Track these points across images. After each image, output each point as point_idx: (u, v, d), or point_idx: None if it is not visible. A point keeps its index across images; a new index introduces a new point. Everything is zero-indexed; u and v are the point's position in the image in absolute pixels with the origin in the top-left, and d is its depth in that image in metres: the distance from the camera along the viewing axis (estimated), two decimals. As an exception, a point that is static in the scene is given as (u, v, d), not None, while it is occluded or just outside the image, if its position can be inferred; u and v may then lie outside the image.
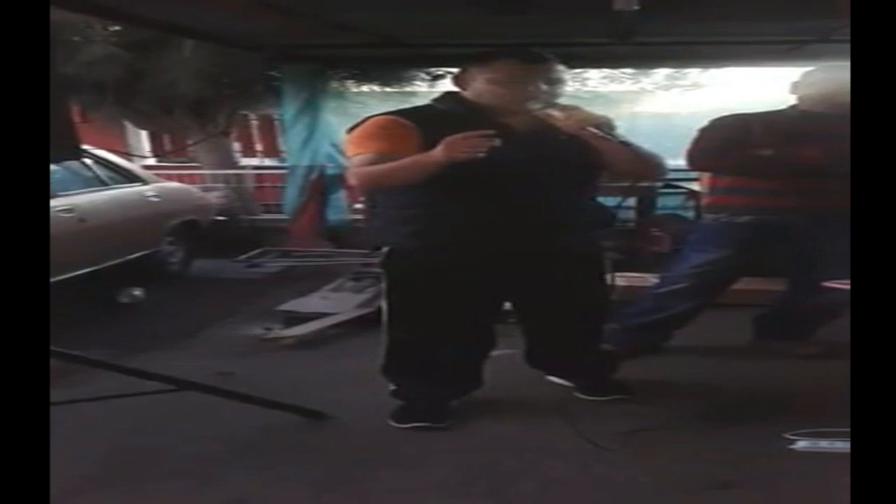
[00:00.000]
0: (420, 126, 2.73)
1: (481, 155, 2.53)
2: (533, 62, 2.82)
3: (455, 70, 2.97)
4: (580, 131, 2.71)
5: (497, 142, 2.54)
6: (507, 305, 3.22)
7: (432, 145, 2.61)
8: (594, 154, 2.78)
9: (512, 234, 2.79)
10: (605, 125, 2.75)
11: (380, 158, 2.71)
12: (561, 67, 2.87)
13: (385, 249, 2.97)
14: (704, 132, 3.55)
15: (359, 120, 2.89)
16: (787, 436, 2.83)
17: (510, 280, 2.99)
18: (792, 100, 3.55)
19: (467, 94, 2.87)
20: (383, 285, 3.06)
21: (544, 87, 2.79)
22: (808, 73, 3.52)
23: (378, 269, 3.09)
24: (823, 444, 2.75)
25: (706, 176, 3.94)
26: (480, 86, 2.81)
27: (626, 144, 2.75)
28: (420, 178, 2.66)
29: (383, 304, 3.07)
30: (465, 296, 2.93)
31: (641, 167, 2.99)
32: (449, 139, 2.54)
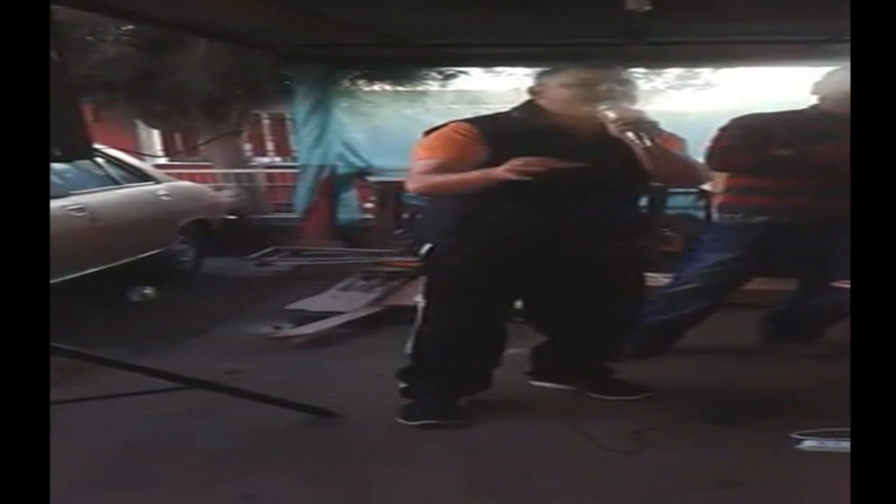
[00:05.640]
0: (489, 134, 2.85)
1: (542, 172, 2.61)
2: (600, 66, 3.00)
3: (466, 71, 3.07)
4: (620, 135, 2.72)
5: (563, 164, 2.59)
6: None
7: (496, 152, 2.74)
8: (638, 158, 2.80)
9: (551, 236, 2.88)
10: (648, 130, 2.75)
11: (441, 165, 2.82)
12: (626, 71, 3.07)
13: (426, 247, 3.06)
14: (724, 132, 3.53)
15: (439, 124, 2.99)
16: (795, 435, 2.83)
17: (540, 281, 3.06)
18: (813, 100, 3.51)
19: (542, 101, 2.97)
20: (422, 282, 3.14)
21: (618, 87, 2.89)
22: (830, 73, 3.48)
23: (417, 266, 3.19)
24: (831, 444, 2.74)
25: (721, 176, 3.91)
26: (555, 91, 2.93)
27: (648, 149, 2.75)
28: (478, 190, 2.78)
29: (420, 300, 3.13)
30: (497, 295, 3.04)
31: (680, 174, 3.10)
32: (515, 162, 2.62)
